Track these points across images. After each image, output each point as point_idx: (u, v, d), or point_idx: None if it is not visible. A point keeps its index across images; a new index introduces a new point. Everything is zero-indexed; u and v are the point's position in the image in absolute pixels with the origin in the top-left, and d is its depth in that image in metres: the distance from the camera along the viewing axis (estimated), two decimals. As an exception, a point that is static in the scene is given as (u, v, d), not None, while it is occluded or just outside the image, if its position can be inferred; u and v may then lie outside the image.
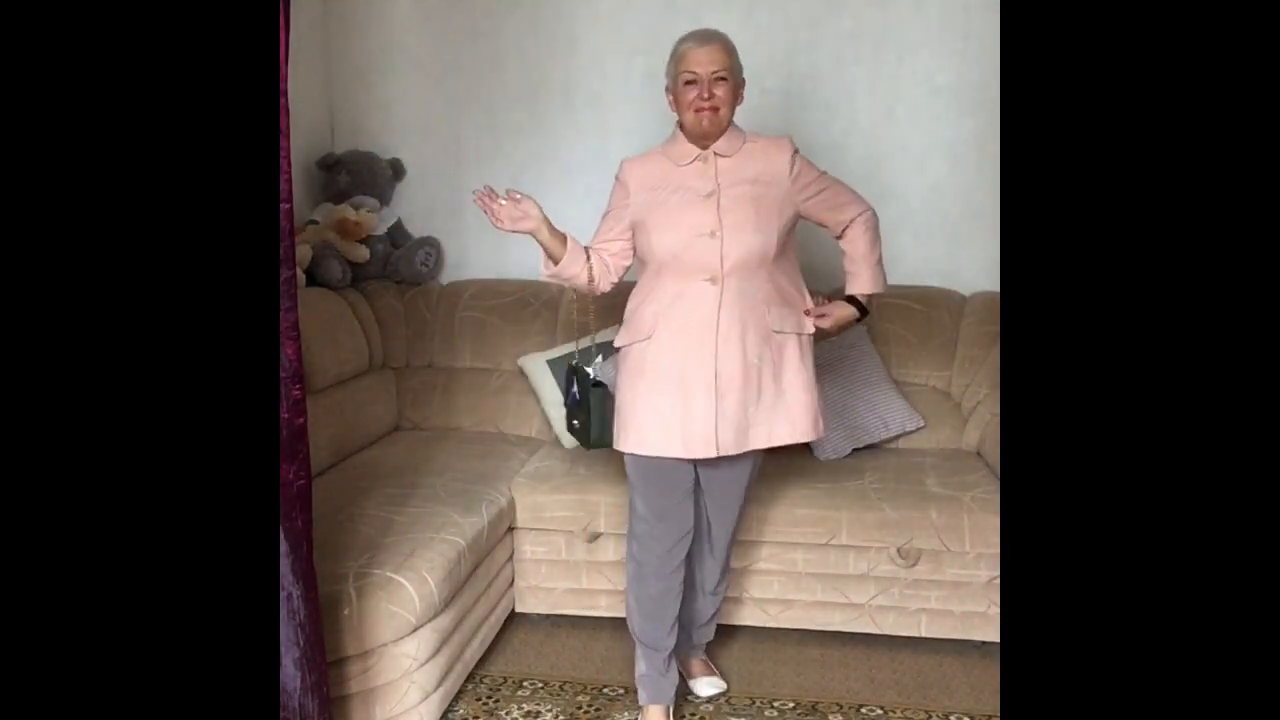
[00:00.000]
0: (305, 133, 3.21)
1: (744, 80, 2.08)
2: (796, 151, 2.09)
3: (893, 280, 3.18)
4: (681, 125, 2.08)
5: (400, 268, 3.27)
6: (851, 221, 2.14)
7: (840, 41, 3.17)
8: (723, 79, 2.01)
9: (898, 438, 2.95)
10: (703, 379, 2.02)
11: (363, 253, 3.18)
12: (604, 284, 2.16)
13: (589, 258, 2.12)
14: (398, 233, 3.35)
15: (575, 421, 2.31)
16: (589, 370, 2.29)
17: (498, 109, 3.36)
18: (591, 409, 2.23)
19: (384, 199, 3.34)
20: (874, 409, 2.90)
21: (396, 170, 3.38)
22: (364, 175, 3.28)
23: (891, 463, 2.80)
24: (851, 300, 2.16)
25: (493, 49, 3.33)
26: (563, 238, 2.07)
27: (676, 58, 2.05)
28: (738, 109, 2.09)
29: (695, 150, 2.06)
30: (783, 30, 3.17)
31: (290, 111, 1.58)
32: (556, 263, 2.09)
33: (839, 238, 2.16)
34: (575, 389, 2.30)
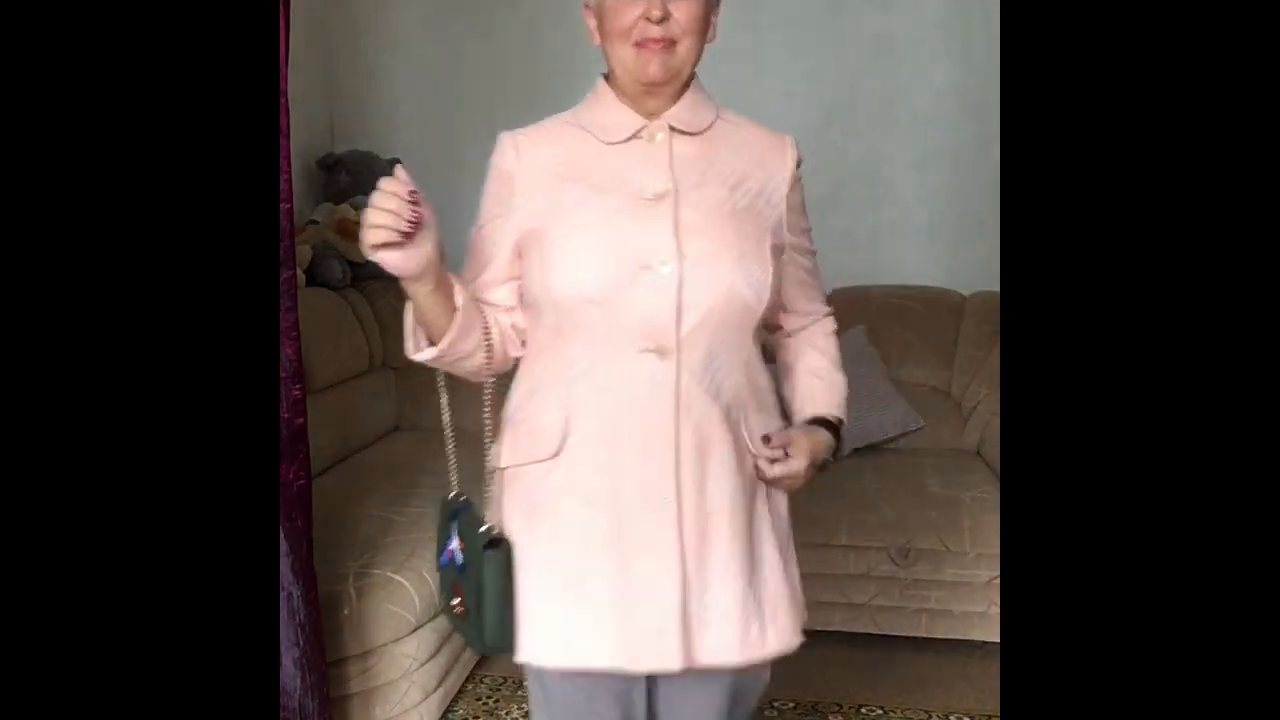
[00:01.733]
0: (305, 133, 3.21)
1: (718, 1, 1.23)
2: (800, 165, 1.29)
3: (893, 280, 3.21)
4: (609, 75, 1.23)
5: (400, 268, 3.27)
6: (820, 318, 1.42)
7: (840, 42, 3.17)
8: None
9: (898, 438, 2.95)
10: (656, 533, 1.17)
11: (363, 253, 3.18)
12: (505, 362, 1.28)
13: (486, 325, 1.22)
14: (398, 233, 3.35)
15: (456, 602, 1.25)
16: (483, 517, 1.25)
17: (498, 109, 3.36)
18: (485, 585, 1.19)
19: (384, 199, 3.34)
20: (874, 409, 2.91)
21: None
22: (364, 175, 3.28)
23: (891, 463, 2.80)
24: (821, 424, 1.34)
25: (493, 49, 3.33)
26: (449, 289, 1.16)
27: None
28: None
29: (634, 119, 1.21)
30: (782, 30, 3.18)
31: (290, 111, 1.58)
32: (434, 337, 1.18)
33: (787, 335, 1.41)
34: (454, 544, 1.26)
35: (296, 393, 1.65)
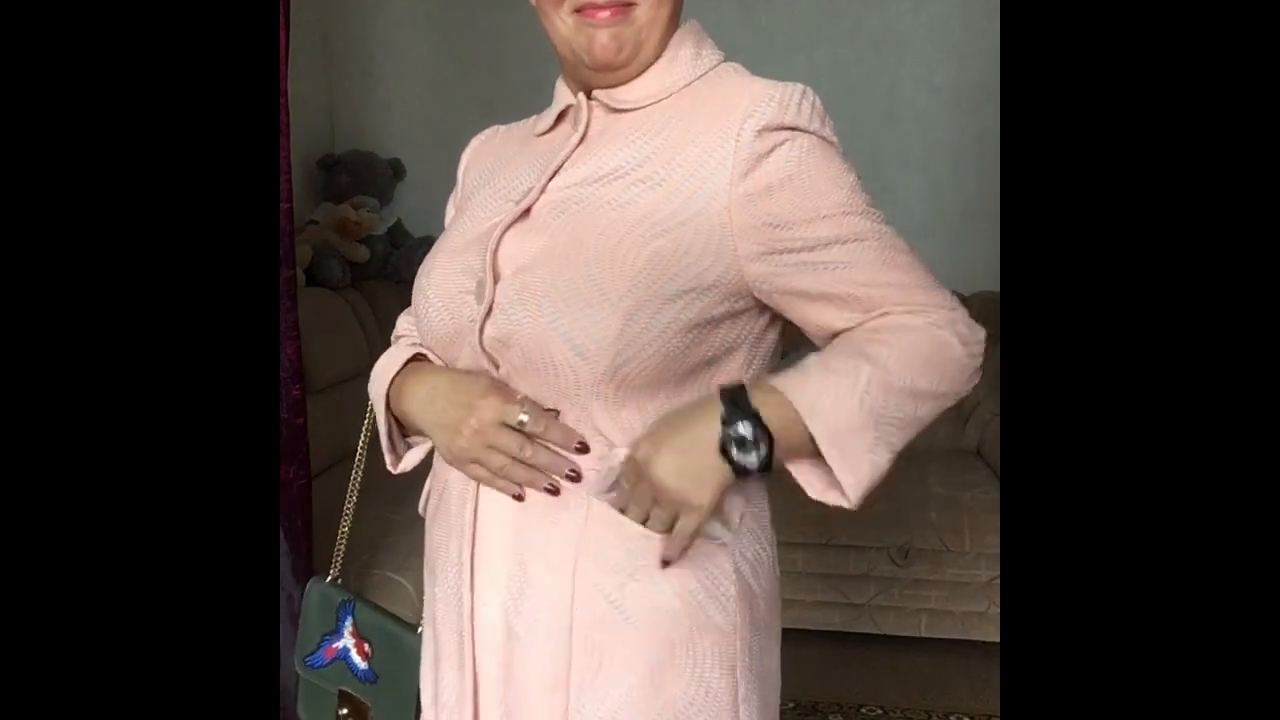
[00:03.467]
0: (305, 133, 3.21)
1: None
2: (797, 133, 0.81)
3: (893, 280, 3.20)
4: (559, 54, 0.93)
5: (400, 268, 3.27)
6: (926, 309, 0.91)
7: (840, 41, 3.17)
8: None
9: (897, 438, 2.95)
10: (452, 628, 0.94)
11: (363, 253, 3.18)
12: None
13: None
14: (398, 233, 3.35)
15: (345, 713, 1.07)
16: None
17: (498, 109, 3.35)
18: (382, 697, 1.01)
19: (384, 199, 3.34)
20: (874, 409, 2.91)
21: (396, 170, 3.38)
22: (364, 175, 3.28)
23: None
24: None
25: (493, 49, 3.33)
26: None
27: None
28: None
29: (565, 97, 0.96)
30: (782, 30, 3.18)
31: (290, 111, 1.58)
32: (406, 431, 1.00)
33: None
34: (344, 641, 1.10)
35: (296, 393, 1.65)
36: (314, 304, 2.84)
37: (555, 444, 0.81)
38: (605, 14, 0.84)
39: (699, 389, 0.83)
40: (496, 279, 0.83)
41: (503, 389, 0.83)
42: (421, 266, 0.95)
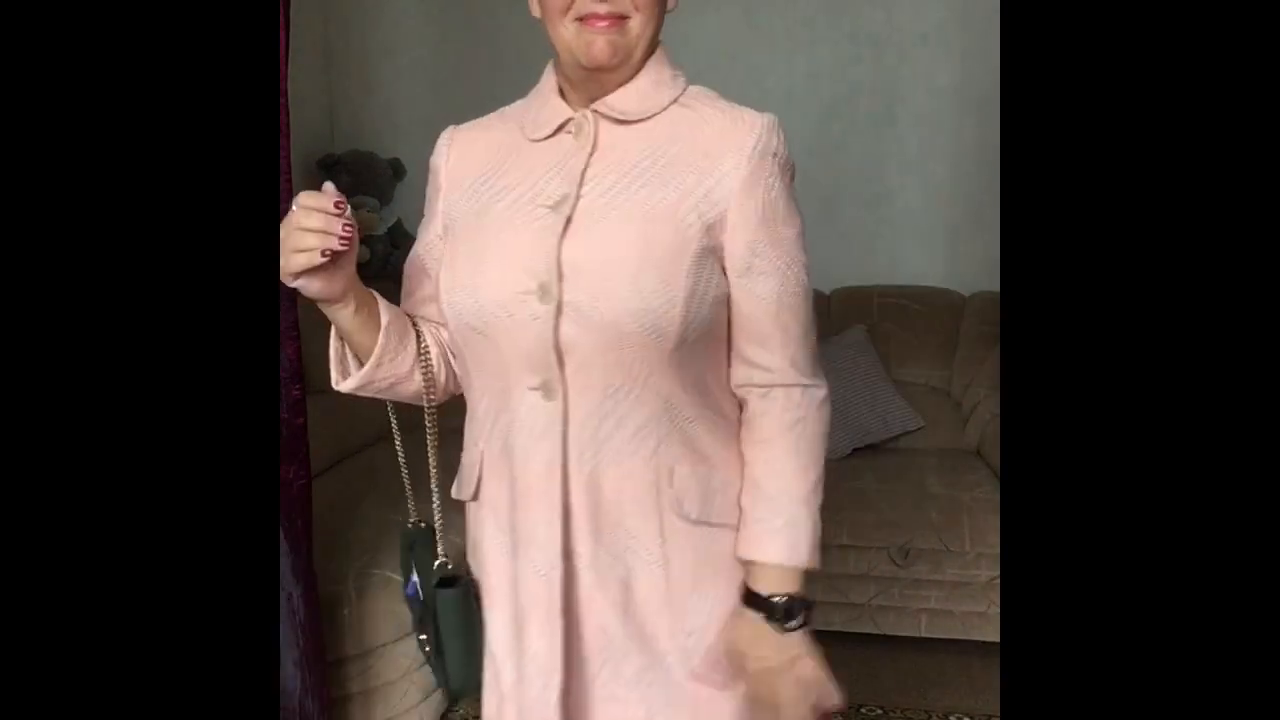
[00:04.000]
0: (305, 133, 3.21)
1: None
2: (776, 156, 1.00)
3: (893, 280, 3.21)
4: (556, 61, 1.06)
5: (400, 268, 3.27)
6: (784, 387, 1.03)
7: (840, 41, 3.17)
8: None
9: (898, 438, 2.95)
10: (537, 591, 1.02)
11: (363, 253, 3.17)
12: (448, 386, 1.15)
13: (420, 342, 1.10)
14: (398, 233, 3.35)
15: (423, 638, 1.15)
16: (439, 548, 1.14)
17: (498, 109, 3.36)
18: (441, 626, 1.10)
19: (384, 199, 3.34)
20: (874, 409, 2.91)
21: (396, 170, 3.38)
22: (364, 175, 3.28)
23: (891, 463, 2.80)
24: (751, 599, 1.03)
25: (493, 49, 3.33)
26: (374, 308, 1.06)
27: None
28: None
29: (562, 111, 1.03)
30: (782, 30, 3.18)
31: (290, 111, 1.58)
32: (360, 359, 1.08)
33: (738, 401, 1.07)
34: (416, 578, 1.15)
35: (296, 393, 1.65)
36: (314, 304, 2.84)
37: (323, 209, 0.96)
38: (604, 23, 0.97)
39: (720, 344, 1.03)
40: (561, 279, 0.95)
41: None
42: (455, 268, 1.04)
